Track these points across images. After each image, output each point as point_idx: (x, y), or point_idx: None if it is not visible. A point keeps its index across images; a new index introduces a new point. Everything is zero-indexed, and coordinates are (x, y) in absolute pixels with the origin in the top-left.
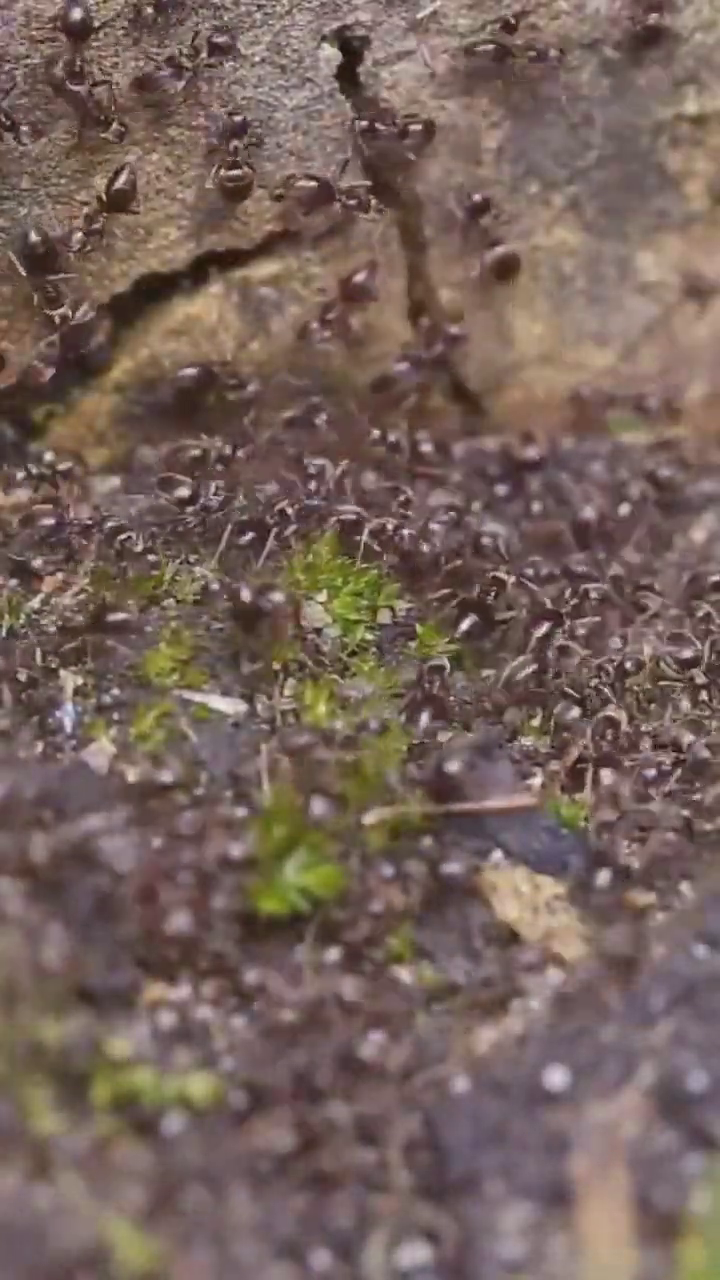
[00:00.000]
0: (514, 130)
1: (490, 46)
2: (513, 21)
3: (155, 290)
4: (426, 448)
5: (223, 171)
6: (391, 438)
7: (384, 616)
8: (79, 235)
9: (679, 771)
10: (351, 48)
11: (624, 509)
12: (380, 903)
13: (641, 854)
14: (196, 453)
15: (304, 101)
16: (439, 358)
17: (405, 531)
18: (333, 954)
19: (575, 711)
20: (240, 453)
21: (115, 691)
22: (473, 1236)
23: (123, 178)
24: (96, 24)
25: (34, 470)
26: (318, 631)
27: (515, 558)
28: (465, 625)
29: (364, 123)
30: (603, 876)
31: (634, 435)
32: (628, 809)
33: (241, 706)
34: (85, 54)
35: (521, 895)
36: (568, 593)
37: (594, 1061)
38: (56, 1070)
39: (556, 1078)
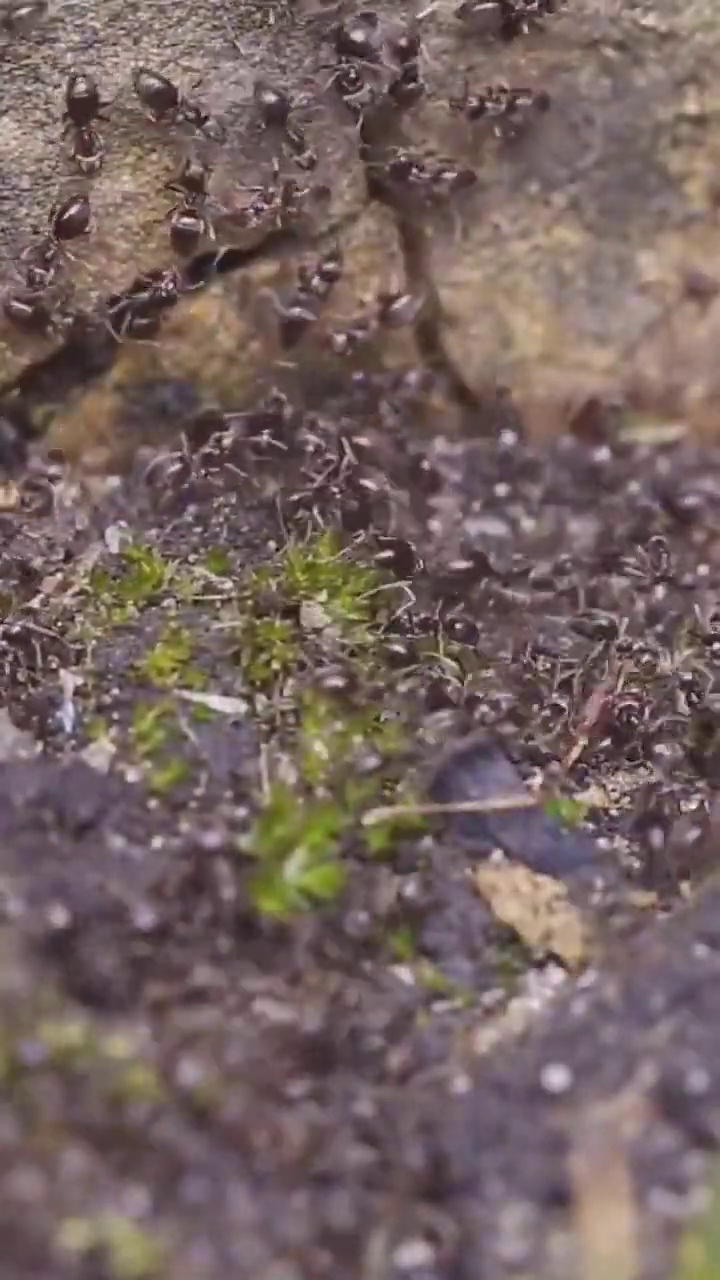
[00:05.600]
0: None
1: (490, 5)
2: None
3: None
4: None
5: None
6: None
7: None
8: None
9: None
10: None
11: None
12: (380, 903)
13: (642, 853)
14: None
15: (304, 102)
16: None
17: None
18: (333, 954)
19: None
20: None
21: (115, 691)
22: (473, 1236)
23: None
24: (97, 24)
25: (34, 470)
26: (317, 632)
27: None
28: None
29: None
30: (603, 876)
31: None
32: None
33: (241, 706)
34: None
35: (521, 895)
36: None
37: (594, 1061)
38: (57, 1071)
39: (556, 1078)
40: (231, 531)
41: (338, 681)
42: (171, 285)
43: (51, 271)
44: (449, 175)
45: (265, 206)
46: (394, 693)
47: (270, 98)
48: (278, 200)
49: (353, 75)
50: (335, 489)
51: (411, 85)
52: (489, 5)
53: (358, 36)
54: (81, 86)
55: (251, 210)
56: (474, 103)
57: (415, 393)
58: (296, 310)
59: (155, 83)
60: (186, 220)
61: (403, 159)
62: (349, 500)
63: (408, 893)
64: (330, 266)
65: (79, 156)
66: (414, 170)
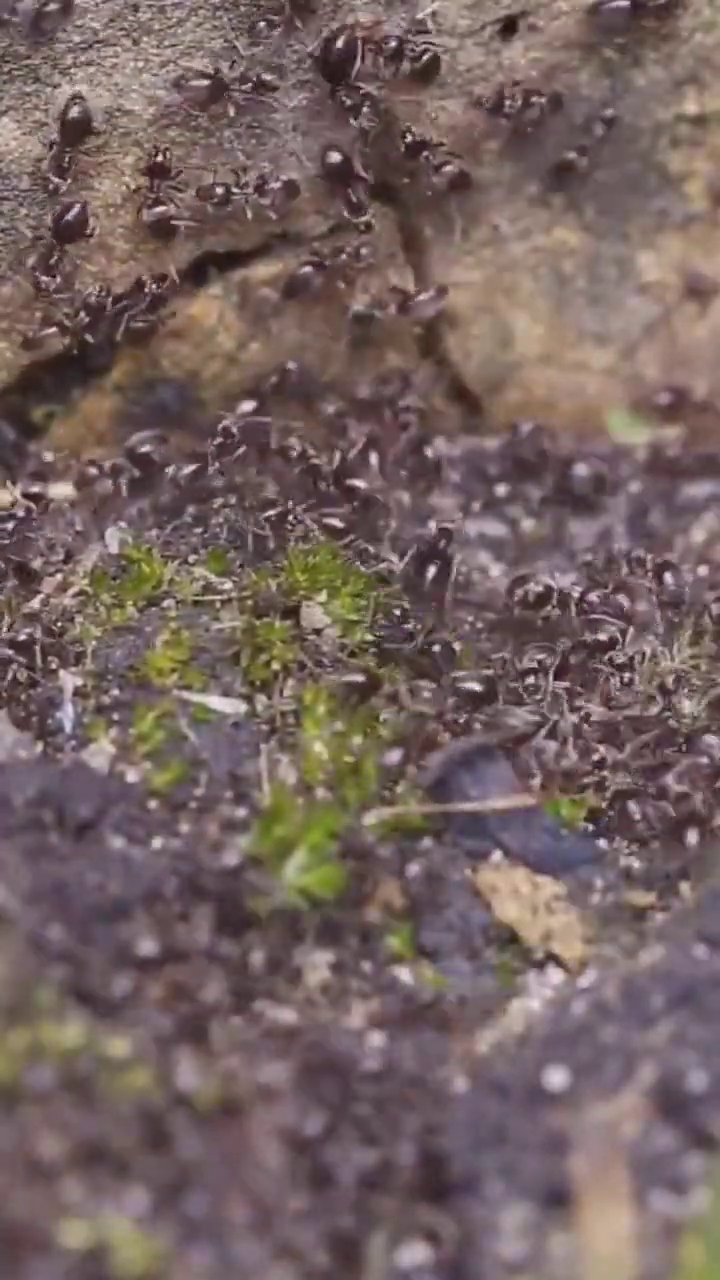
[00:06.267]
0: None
1: (624, 4)
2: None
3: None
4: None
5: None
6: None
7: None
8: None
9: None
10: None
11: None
12: (380, 903)
13: (642, 854)
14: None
15: (303, 103)
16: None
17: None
18: (332, 954)
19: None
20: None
21: (115, 692)
22: (473, 1236)
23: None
24: (97, 24)
25: (33, 470)
26: (317, 632)
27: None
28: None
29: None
30: (603, 876)
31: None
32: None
33: (241, 706)
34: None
35: (521, 895)
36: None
37: (594, 1061)
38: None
39: (556, 1078)
40: (231, 531)
41: (358, 677)
42: (157, 285)
43: (57, 279)
44: (449, 169)
45: (238, 192)
46: (416, 696)
47: (335, 158)
48: (250, 187)
49: (349, 104)
50: (322, 490)
51: (425, 59)
52: (620, 4)
53: (339, 46)
54: (76, 111)
55: (221, 189)
56: (492, 99)
57: (425, 390)
58: (307, 269)
59: (201, 81)
60: (157, 209)
61: (417, 139)
62: (337, 500)
63: (415, 887)
64: (365, 251)
65: (50, 175)
66: (426, 153)
